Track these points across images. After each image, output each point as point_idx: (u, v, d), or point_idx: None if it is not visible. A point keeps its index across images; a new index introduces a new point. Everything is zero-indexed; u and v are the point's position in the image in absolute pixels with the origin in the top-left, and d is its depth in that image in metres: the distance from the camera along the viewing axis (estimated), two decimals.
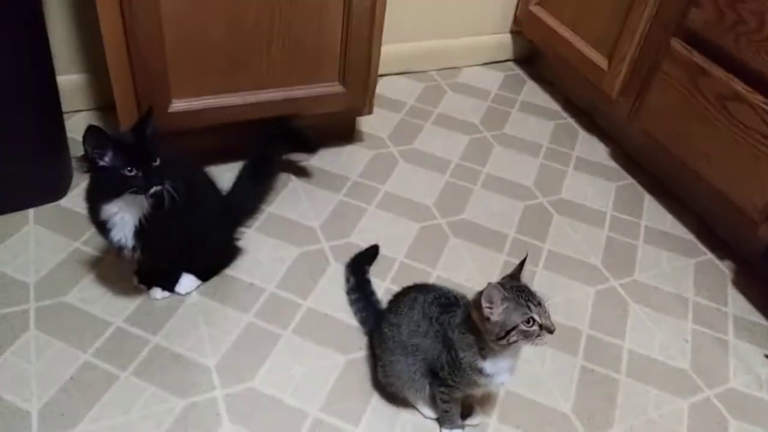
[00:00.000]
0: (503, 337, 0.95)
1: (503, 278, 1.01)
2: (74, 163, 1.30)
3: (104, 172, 1.04)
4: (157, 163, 1.06)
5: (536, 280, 1.45)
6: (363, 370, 1.21)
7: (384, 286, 1.37)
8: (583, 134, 1.94)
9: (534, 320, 0.94)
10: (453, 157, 1.77)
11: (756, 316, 1.45)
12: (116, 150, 1.03)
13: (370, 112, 1.66)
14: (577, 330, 1.35)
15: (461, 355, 1.01)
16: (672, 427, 1.21)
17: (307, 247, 1.44)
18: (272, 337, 1.24)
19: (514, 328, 0.94)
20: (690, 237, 1.63)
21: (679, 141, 1.59)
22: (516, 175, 1.74)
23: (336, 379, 1.19)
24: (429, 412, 1.15)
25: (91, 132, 1.01)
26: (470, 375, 1.01)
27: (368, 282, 1.34)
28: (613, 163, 1.84)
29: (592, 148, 1.89)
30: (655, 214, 1.68)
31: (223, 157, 1.55)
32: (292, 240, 1.45)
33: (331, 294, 1.34)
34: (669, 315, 1.42)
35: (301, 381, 1.18)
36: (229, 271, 1.36)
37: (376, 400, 1.17)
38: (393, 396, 1.16)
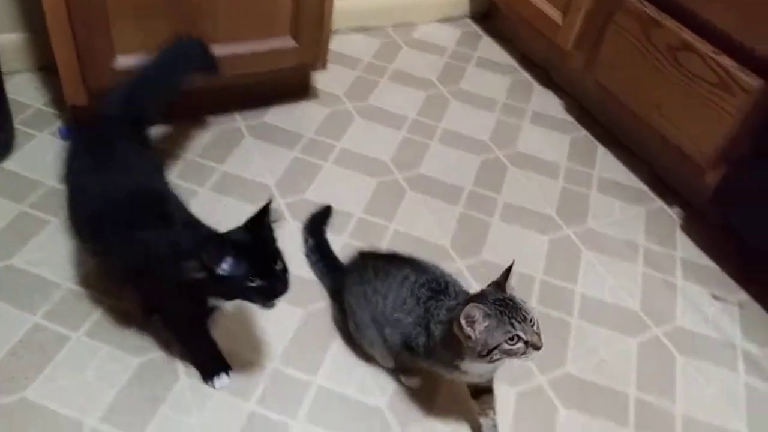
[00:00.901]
0: (485, 356, 0.89)
1: (488, 286, 0.96)
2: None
3: (221, 279, 0.91)
4: (280, 266, 0.94)
5: (491, 231, 1.47)
6: (323, 322, 1.22)
7: (342, 240, 1.37)
8: (538, 88, 1.95)
9: (519, 337, 0.88)
10: (409, 113, 1.76)
11: (704, 260, 1.50)
12: (237, 257, 0.90)
13: (323, 67, 1.63)
14: (531, 277, 1.38)
15: (440, 350, 0.97)
16: (622, 365, 1.25)
17: (262, 203, 1.42)
18: None
19: (496, 347, 0.88)
20: (641, 186, 1.67)
21: (631, 92, 1.62)
22: (472, 130, 1.74)
23: (295, 332, 1.19)
24: (390, 363, 1.16)
25: (213, 246, 0.89)
26: (444, 365, 0.99)
27: (326, 242, 1.33)
28: (567, 117, 1.86)
29: (547, 102, 1.90)
30: (608, 165, 1.71)
31: (182, 116, 1.53)
32: (247, 198, 1.43)
33: (288, 251, 1.33)
34: (620, 260, 1.46)
35: (261, 336, 1.18)
36: None
37: (334, 349, 1.18)
38: (353, 346, 1.17)
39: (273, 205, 0.95)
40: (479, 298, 0.93)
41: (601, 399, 1.18)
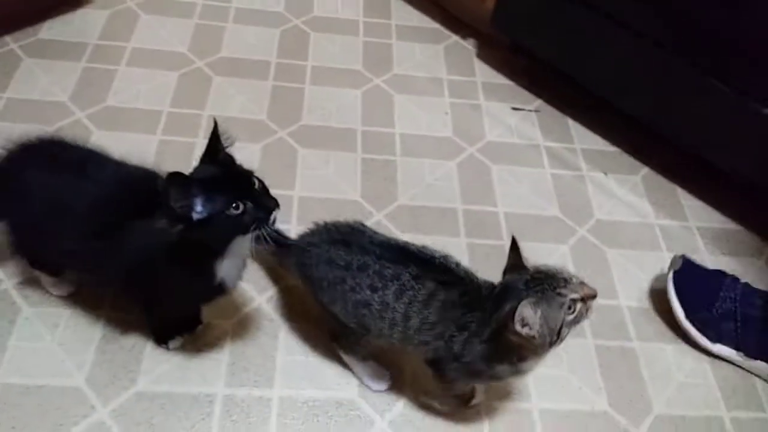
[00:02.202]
0: (556, 341, 0.82)
1: (510, 275, 0.86)
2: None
3: (203, 224, 0.80)
4: (257, 181, 0.85)
5: (306, 96, 1.50)
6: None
7: (156, 139, 1.34)
8: None
9: (573, 301, 0.81)
10: (198, 0, 1.69)
11: (500, 79, 1.65)
12: (207, 192, 0.80)
13: None
14: (352, 129, 1.45)
15: (493, 366, 0.88)
16: (446, 185, 1.38)
17: (61, 122, 1.34)
18: None
19: (562, 326, 0.81)
20: (436, 26, 1.76)
21: None
22: (266, 3, 1.72)
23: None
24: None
25: (171, 184, 0.77)
26: (500, 376, 0.92)
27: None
28: None
29: None
30: (402, 12, 1.78)
31: None
32: (42, 120, 1.33)
33: None
34: (429, 96, 1.56)
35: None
36: None
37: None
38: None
39: (222, 127, 0.85)
40: (514, 294, 0.82)
41: (433, 219, 1.31)
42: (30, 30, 1.52)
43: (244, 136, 1.38)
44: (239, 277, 0.95)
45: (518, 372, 0.90)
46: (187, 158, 1.29)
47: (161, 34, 1.58)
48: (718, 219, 1.41)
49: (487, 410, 1.05)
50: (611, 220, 1.37)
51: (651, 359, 1.15)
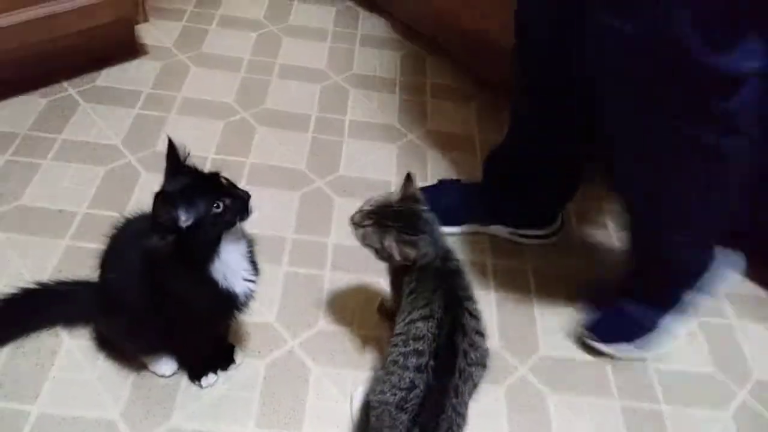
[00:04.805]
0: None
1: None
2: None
3: (193, 230, 0.85)
4: (222, 177, 0.91)
5: (344, 148, 1.56)
6: None
7: None
8: (364, 13, 2.03)
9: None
10: (245, 55, 1.79)
11: None
12: (187, 199, 0.84)
13: (146, 20, 1.60)
14: (387, 182, 1.50)
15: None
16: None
17: (113, 164, 1.41)
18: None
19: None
20: (470, 87, 1.83)
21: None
22: (309, 61, 1.81)
23: None
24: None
25: (159, 201, 0.82)
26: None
27: None
28: (393, 34, 1.96)
29: (373, 25, 1.99)
30: (437, 72, 1.85)
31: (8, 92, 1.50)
32: (96, 161, 1.41)
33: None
34: (459, 152, 1.61)
35: None
36: (33, 203, 1.30)
37: None
38: None
39: (177, 142, 0.90)
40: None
41: None
42: (87, 77, 1.62)
43: (284, 184, 1.44)
44: (249, 289, 0.96)
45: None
46: None
47: (210, 85, 1.67)
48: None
49: None
50: None
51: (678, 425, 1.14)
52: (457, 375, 0.90)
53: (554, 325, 1.26)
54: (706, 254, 1.19)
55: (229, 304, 0.96)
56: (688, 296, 1.20)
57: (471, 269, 1.31)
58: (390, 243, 0.97)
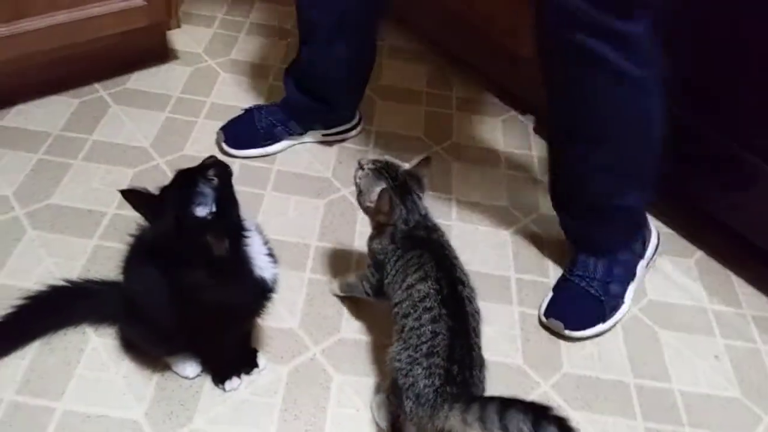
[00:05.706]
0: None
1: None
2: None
3: (217, 216, 0.89)
4: (180, 170, 0.96)
5: None
6: None
7: None
8: None
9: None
10: (273, 62, 1.81)
11: None
12: (218, 225, 0.88)
13: (178, 26, 1.63)
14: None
15: None
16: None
17: (142, 166, 1.43)
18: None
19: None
20: (494, 100, 1.83)
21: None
22: None
23: None
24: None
25: (212, 237, 0.86)
26: None
27: None
28: (419, 46, 1.98)
29: (400, 37, 2.00)
30: (462, 86, 1.86)
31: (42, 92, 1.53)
32: (125, 162, 1.43)
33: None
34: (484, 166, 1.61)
35: None
36: (63, 202, 1.32)
37: None
38: None
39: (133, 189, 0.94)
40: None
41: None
42: (118, 80, 1.64)
43: (309, 191, 1.46)
44: (274, 273, 0.99)
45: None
46: (255, 207, 1.37)
47: (239, 91, 1.69)
48: None
49: None
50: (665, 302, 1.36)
51: None
52: (470, 318, 0.96)
53: (579, 343, 1.25)
54: (637, 204, 1.28)
55: (263, 290, 0.99)
56: (630, 259, 1.31)
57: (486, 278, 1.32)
58: (375, 190, 1.04)
